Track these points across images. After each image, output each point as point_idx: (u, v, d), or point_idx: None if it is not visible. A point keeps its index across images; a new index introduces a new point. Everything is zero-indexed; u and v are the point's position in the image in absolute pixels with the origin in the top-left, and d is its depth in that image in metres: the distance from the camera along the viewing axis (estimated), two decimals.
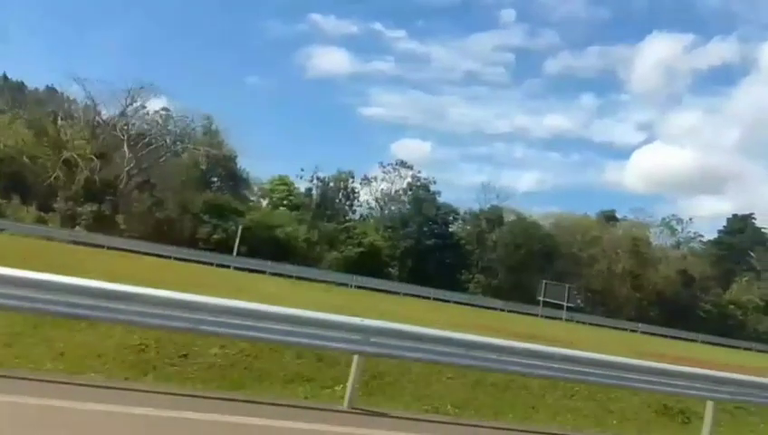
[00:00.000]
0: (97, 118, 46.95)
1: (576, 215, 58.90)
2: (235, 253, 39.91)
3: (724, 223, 75.44)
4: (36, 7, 79.12)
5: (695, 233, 60.08)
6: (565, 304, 41.52)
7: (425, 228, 49.54)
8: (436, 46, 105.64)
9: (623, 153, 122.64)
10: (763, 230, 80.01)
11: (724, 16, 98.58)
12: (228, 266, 38.98)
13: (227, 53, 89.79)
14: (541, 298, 42.74)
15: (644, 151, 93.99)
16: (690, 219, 60.97)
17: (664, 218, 60.13)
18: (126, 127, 47.19)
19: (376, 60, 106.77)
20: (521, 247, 51.94)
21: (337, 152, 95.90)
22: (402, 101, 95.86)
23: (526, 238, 51.98)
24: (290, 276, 40.04)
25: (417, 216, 50.47)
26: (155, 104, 47.65)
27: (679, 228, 59.91)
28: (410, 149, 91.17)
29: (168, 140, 47.03)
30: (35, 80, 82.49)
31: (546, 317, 40.59)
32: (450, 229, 53.04)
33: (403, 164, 53.20)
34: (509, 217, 53.95)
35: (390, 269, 48.72)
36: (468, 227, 52.14)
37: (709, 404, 7.60)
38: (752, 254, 74.05)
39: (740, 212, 76.30)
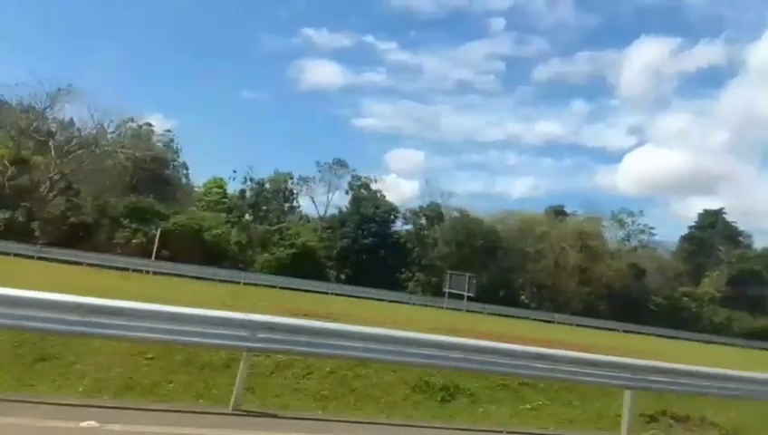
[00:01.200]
0: (20, 123, 45.69)
1: (525, 211, 58.35)
2: (153, 257, 38.73)
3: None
4: (28, 17, 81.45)
5: (644, 226, 59.53)
6: (465, 293, 41.07)
7: (362, 228, 48.62)
8: (428, 57, 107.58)
9: (615, 157, 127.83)
10: (733, 224, 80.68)
11: (711, 19, 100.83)
12: (146, 271, 37.93)
13: (222, 66, 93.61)
14: (446, 290, 42.20)
15: (635, 154, 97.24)
16: (641, 212, 60.51)
17: (613, 212, 59.72)
18: (50, 132, 46.08)
19: (368, 72, 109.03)
20: (462, 244, 51.25)
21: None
22: (395, 111, 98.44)
23: (468, 235, 51.30)
24: (212, 279, 39.09)
25: (354, 215, 49.56)
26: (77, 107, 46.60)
27: (630, 221, 59.37)
28: (404, 158, 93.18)
29: (92, 144, 45.78)
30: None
31: (452, 309, 39.75)
32: (393, 228, 52.16)
33: (340, 163, 52.36)
34: (452, 215, 53.21)
35: (329, 270, 47.73)
36: (409, 226, 51.29)
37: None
38: (720, 248, 74.49)
39: (732, 211, 77.22)
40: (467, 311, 39.73)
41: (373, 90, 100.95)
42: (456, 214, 53.44)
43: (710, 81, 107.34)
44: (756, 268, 62.68)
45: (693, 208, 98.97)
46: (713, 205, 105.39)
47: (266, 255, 45.04)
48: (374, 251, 48.94)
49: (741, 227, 76.34)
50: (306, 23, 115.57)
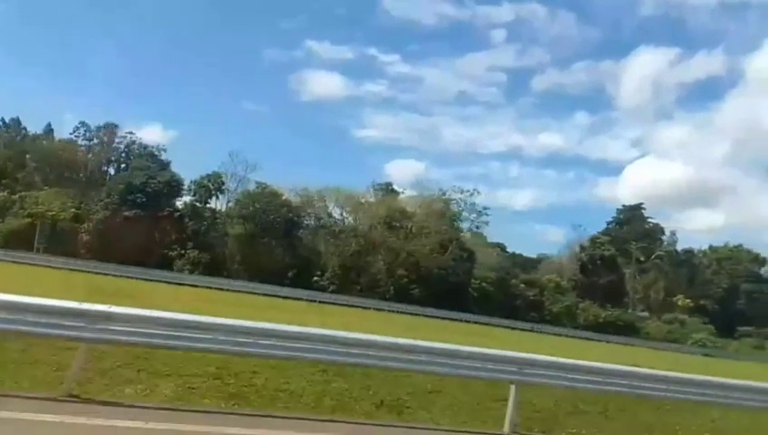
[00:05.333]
0: None
1: (344, 188, 55.24)
2: None
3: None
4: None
5: (473, 205, 56.95)
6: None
7: (127, 199, 45.41)
8: (429, 68, 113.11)
9: (618, 169, 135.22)
10: (649, 220, 79.75)
11: (709, 30, 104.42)
12: None
13: (224, 78, 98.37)
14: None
15: (636, 166, 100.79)
16: (477, 191, 57.89)
17: (440, 189, 56.99)
18: None
19: (369, 83, 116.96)
20: (250, 219, 48.33)
21: (330, 173, 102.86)
22: (396, 122, 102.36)
23: (258, 210, 48.34)
24: None
25: (120, 184, 46.45)
26: None
27: (460, 200, 56.67)
28: (405, 169, 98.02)
29: None
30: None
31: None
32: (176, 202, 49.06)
33: (109, 126, 49.03)
34: (247, 188, 50.38)
35: (81, 244, 44.54)
36: (188, 199, 48.16)
37: None
38: (633, 243, 73.78)
39: (733, 226, 78.17)
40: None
41: (374, 101, 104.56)
42: (253, 187, 50.60)
43: (710, 92, 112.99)
44: (607, 254, 60.30)
45: (695, 221, 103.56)
46: (715, 217, 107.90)
47: None
48: (141, 225, 45.75)
49: (663, 226, 77.70)
50: (309, 36, 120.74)
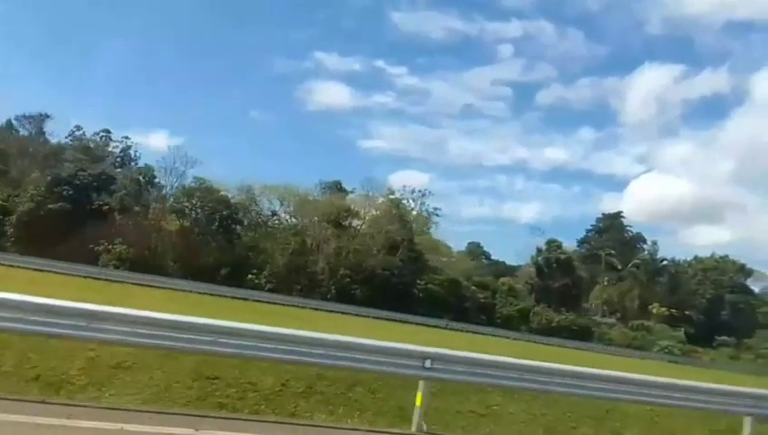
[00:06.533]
0: None
1: (291, 186, 54.06)
2: None
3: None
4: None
5: (423, 204, 55.74)
6: None
7: (54, 190, 44.47)
8: (437, 81, 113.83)
9: (622, 184, 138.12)
10: (628, 228, 78.89)
11: (715, 48, 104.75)
12: None
13: (232, 86, 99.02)
14: None
15: (640, 182, 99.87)
16: (430, 192, 56.72)
17: (390, 189, 55.81)
18: None
19: (377, 95, 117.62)
20: (184, 214, 47.30)
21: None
22: (403, 134, 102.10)
23: (194, 205, 47.34)
24: None
25: (48, 176, 45.55)
26: None
27: (410, 201, 55.48)
28: (409, 180, 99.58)
29: None
30: None
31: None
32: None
33: (40, 118, 48.14)
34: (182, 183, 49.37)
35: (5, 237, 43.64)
36: (121, 193, 46.94)
37: None
38: (612, 251, 73.23)
39: (739, 242, 78.35)
40: None
41: (381, 112, 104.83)
42: (190, 182, 49.57)
43: (715, 109, 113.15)
44: (563, 257, 58.90)
45: (699, 237, 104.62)
46: (720, 234, 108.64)
47: None
48: (67, 218, 44.73)
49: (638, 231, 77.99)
50: (317, 47, 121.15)
